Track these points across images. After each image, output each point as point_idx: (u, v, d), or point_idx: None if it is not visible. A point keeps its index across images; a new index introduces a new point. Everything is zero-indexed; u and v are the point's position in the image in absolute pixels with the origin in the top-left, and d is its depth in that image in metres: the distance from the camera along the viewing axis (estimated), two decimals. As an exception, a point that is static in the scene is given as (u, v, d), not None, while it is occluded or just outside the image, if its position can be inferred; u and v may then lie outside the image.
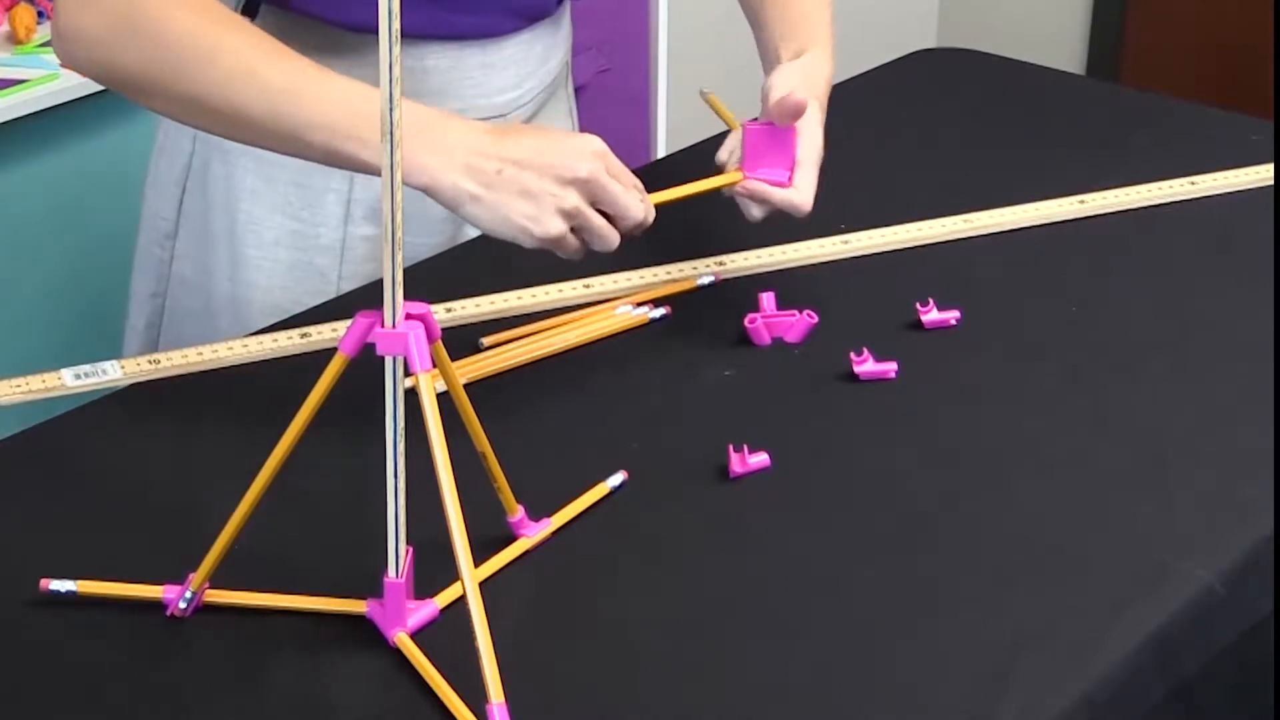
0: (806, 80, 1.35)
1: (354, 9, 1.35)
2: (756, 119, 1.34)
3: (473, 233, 1.51)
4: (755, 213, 1.34)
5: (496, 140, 1.23)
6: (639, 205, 1.25)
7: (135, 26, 1.25)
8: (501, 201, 1.21)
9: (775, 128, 1.32)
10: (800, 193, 1.31)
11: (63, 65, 1.31)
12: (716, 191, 1.36)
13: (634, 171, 1.30)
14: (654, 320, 1.37)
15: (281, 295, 1.46)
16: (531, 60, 1.47)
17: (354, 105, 1.22)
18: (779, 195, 1.31)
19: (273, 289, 1.46)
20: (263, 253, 1.46)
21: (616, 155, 1.26)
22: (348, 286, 1.46)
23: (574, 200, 1.22)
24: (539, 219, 1.22)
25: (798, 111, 1.30)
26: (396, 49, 0.92)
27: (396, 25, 0.92)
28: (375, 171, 1.22)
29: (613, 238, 1.25)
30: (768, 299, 1.36)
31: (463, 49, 1.42)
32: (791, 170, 1.32)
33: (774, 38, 1.43)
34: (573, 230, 1.24)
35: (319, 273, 1.46)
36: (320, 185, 1.44)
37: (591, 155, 1.23)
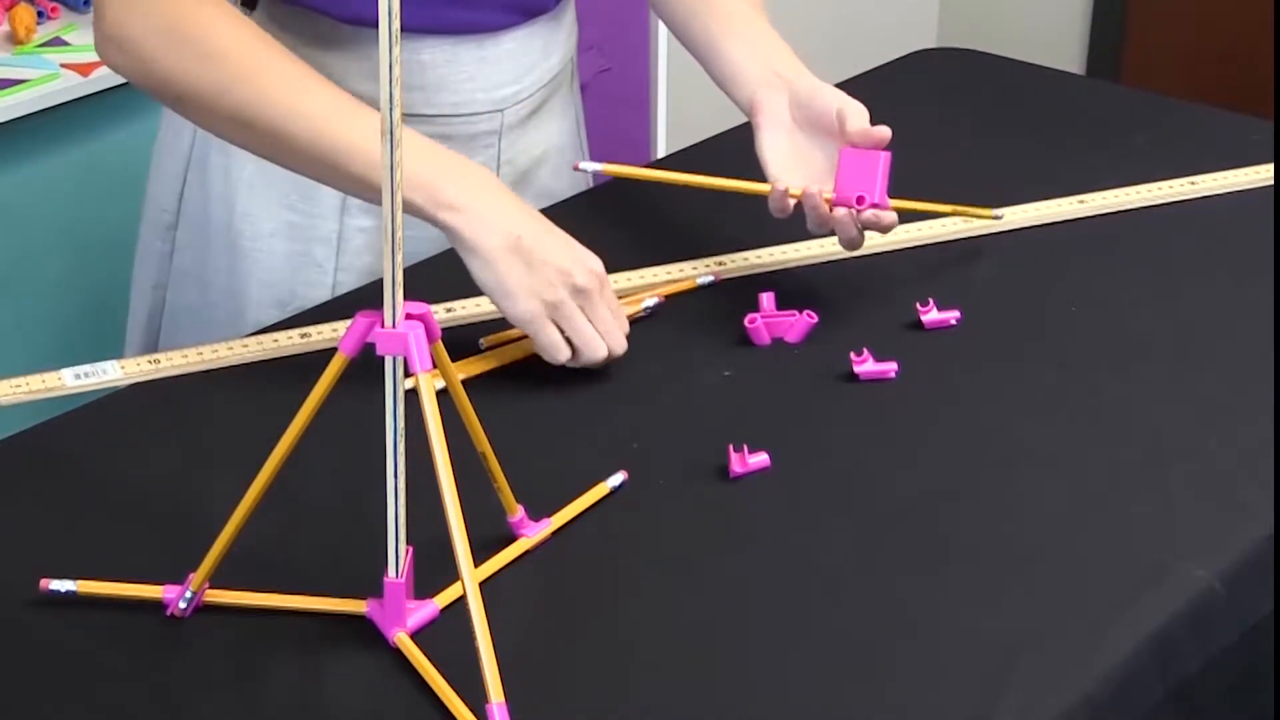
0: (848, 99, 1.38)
1: (353, 2, 1.35)
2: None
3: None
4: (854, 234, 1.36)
5: (522, 217, 1.28)
6: (617, 337, 1.28)
7: (180, 36, 1.27)
8: (505, 263, 1.25)
9: (867, 151, 1.34)
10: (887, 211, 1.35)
11: (106, 65, 1.32)
12: (717, 192, 1.36)
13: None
14: (648, 311, 1.36)
15: (279, 287, 1.47)
16: (530, 56, 1.47)
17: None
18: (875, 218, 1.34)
19: (270, 281, 1.47)
20: (260, 244, 1.46)
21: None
22: (344, 278, 1.46)
23: (561, 295, 1.25)
24: (529, 293, 1.25)
25: (884, 140, 1.34)
26: (397, 49, 0.92)
27: (396, 25, 0.92)
28: (408, 209, 1.25)
29: (595, 345, 1.27)
30: (767, 299, 1.36)
31: (459, 43, 1.42)
32: (879, 189, 1.33)
33: (757, 58, 1.43)
34: (555, 323, 1.26)
35: (316, 264, 1.46)
36: None
37: (591, 272, 1.27)
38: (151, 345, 1.54)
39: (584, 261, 1.27)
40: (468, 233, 1.25)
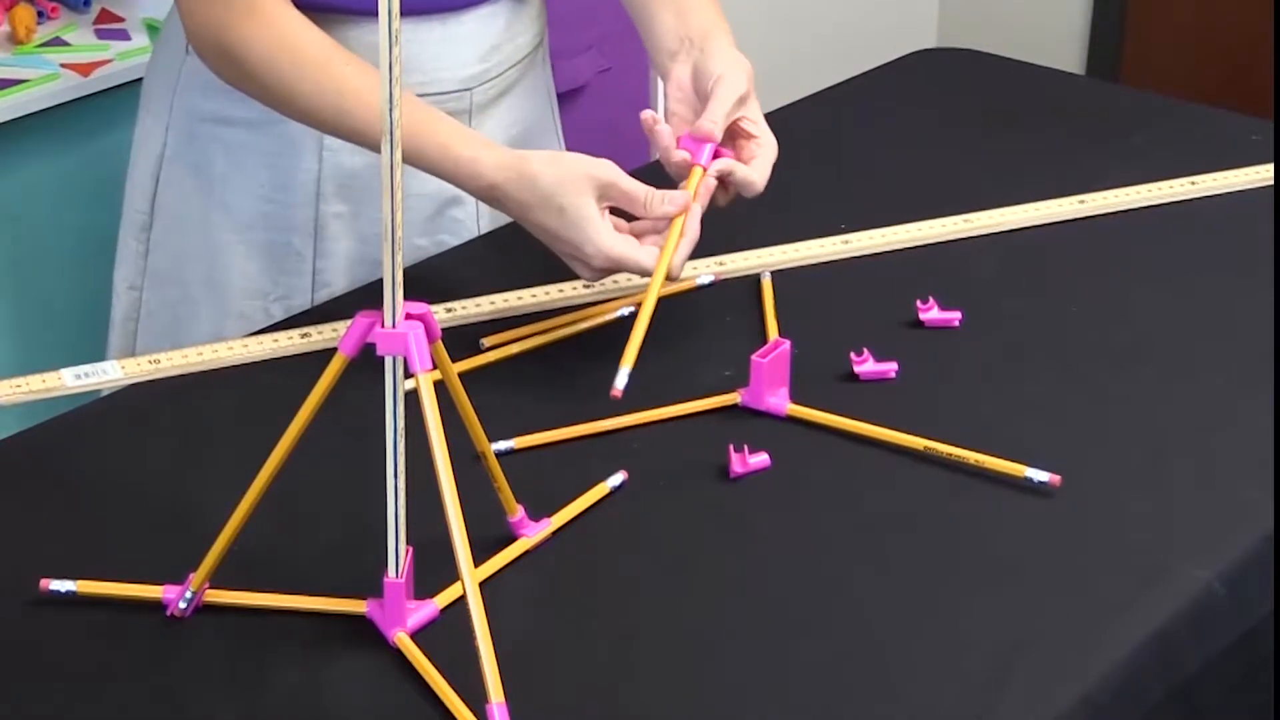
0: (744, 71, 1.35)
1: None
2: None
3: (464, 235, 1.51)
4: (720, 201, 1.33)
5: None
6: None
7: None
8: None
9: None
10: (758, 172, 1.31)
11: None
12: (714, 197, 1.36)
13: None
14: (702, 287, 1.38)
15: (260, 276, 1.47)
16: (494, 35, 1.47)
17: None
18: (740, 171, 1.31)
19: (251, 272, 1.47)
20: (238, 236, 1.47)
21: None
22: (324, 264, 1.46)
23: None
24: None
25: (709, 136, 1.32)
26: (397, 49, 0.92)
27: (397, 25, 0.92)
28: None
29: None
30: None
31: (419, 23, 1.42)
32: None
33: (671, 22, 1.40)
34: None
35: (295, 251, 1.47)
36: (290, 166, 1.44)
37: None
38: (129, 347, 1.54)
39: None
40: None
